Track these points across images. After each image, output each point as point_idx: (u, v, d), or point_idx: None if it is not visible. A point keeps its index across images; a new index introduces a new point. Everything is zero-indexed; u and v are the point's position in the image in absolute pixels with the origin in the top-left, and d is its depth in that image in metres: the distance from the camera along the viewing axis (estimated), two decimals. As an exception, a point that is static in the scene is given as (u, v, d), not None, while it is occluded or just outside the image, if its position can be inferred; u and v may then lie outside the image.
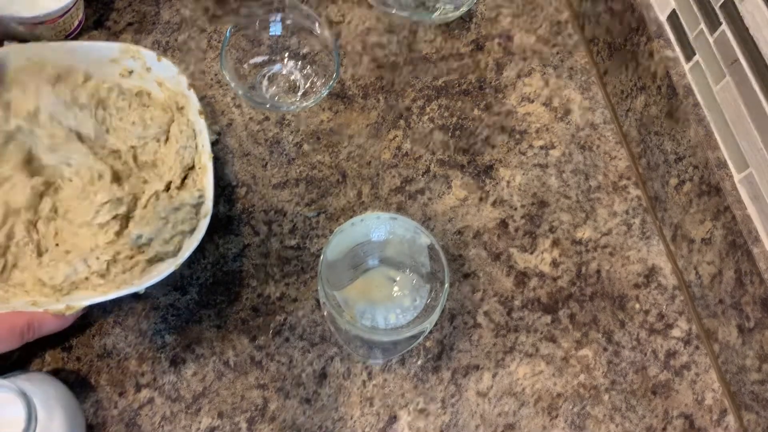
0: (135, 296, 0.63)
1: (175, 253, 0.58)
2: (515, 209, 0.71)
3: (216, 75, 0.74)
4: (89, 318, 0.61)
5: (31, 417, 0.45)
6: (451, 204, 0.70)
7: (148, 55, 0.65)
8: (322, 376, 0.61)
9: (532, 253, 0.69)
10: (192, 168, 0.64)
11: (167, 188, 0.62)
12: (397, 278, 0.61)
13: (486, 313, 0.65)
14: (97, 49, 0.65)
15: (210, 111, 0.72)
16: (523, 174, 0.73)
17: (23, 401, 0.46)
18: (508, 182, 0.72)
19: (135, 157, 0.64)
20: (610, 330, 0.66)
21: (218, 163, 0.70)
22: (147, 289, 0.55)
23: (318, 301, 0.64)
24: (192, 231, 0.59)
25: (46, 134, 0.61)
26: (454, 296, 0.66)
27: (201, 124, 0.63)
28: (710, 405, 0.64)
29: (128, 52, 0.64)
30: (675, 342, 0.66)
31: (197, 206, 0.60)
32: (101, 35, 0.75)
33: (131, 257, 0.58)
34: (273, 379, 0.61)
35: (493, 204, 0.71)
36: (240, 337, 0.62)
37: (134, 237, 0.58)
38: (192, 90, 0.64)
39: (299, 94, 0.72)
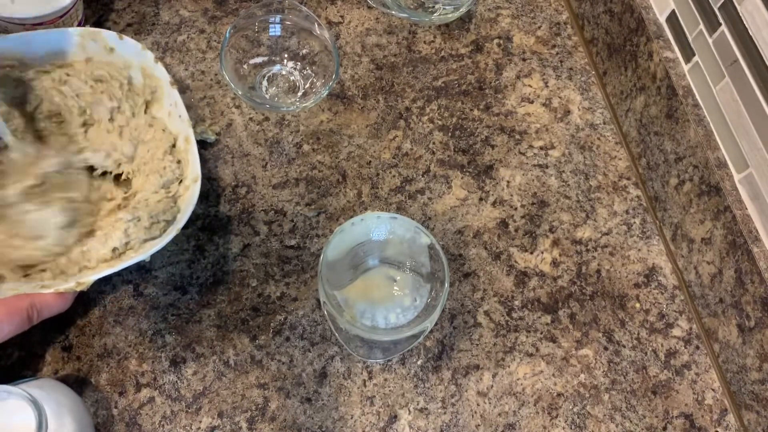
0: (137, 292, 0.63)
1: (161, 232, 0.58)
2: (515, 209, 0.71)
3: (216, 75, 0.75)
4: (89, 317, 0.61)
5: (41, 424, 0.45)
6: (451, 204, 0.70)
7: (109, 35, 0.64)
8: (323, 375, 0.61)
9: (532, 252, 0.69)
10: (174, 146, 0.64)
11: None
12: (398, 278, 0.61)
13: (486, 313, 0.65)
14: (56, 36, 0.64)
15: (210, 111, 0.72)
16: (523, 174, 0.73)
17: (34, 409, 0.45)
18: (508, 182, 0.72)
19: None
20: (610, 329, 0.66)
21: (218, 163, 0.70)
22: (153, 256, 0.56)
23: (318, 300, 0.64)
24: (173, 219, 0.59)
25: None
26: (454, 296, 0.66)
27: (175, 95, 0.63)
28: (710, 404, 0.64)
29: (89, 36, 0.64)
30: (675, 341, 0.66)
31: (167, 185, 0.61)
32: (101, 36, 0.75)
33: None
34: (273, 378, 0.61)
35: (493, 204, 0.71)
36: (240, 337, 0.62)
37: (111, 249, 0.58)
38: (159, 63, 0.63)
39: (299, 94, 0.72)
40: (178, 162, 0.62)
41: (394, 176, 0.71)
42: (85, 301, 0.62)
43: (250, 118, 0.73)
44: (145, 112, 0.64)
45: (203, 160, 0.69)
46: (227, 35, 0.68)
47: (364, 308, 0.59)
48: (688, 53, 0.69)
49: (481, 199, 0.71)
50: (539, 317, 0.66)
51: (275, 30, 0.72)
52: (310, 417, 0.59)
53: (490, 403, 0.62)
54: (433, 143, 0.73)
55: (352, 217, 0.65)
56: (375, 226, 0.60)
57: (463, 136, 0.74)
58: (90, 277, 0.53)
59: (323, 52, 0.71)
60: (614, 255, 0.70)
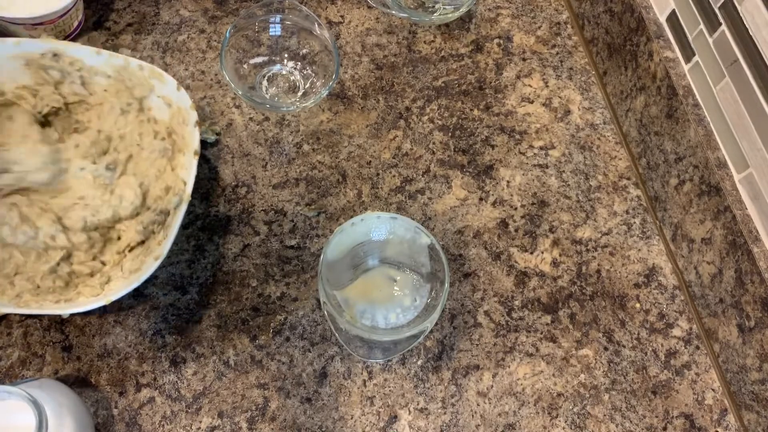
0: (137, 292, 0.63)
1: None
2: (515, 209, 0.71)
3: (216, 75, 0.75)
4: (89, 317, 0.61)
5: (41, 424, 0.45)
6: (451, 204, 0.70)
7: (170, 81, 0.63)
8: (323, 375, 0.61)
9: (532, 252, 0.69)
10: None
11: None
12: (398, 278, 0.60)
13: (486, 313, 0.65)
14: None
15: (210, 111, 0.72)
16: (523, 174, 0.73)
17: (34, 409, 0.46)
18: (508, 182, 0.72)
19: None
20: (610, 329, 0.66)
21: (218, 163, 0.70)
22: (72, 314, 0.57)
23: (318, 300, 0.64)
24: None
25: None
26: (454, 296, 0.66)
27: (193, 166, 0.61)
28: (710, 405, 0.64)
29: (153, 74, 0.64)
30: (675, 341, 0.66)
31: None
32: (101, 36, 0.75)
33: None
34: (273, 378, 0.61)
35: (493, 204, 0.71)
36: (240, 337, 0.62)
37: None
38: (197, 128, 0.62)
39: (299, 94, 0.72)
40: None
41: (394, 176, 0.71)
42: (85, 301, 0.62)
43: (250, 118, 0.73)
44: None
45: (204, 160, 0.69)
46: (227, 35, 0.68)
47: (364, 308, 0.58)
48: (688, 53, 0.69)
49: (481, 199, 0.71)
50: (539, 317, 0.66)
51: (275, 30, 0.72)
52: (310, 417, 0.59)
53: (490, 403, 0.62)
54: (433, 143, 0.73)
55: (352, 217, 0.65)
56: (375, 226, 0.60)
57: (463, 136, 0.74)
58: (37, 311, 0.55)
59: (323, 52, 0.71)
60: (614, 255, 0.70)
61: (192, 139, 0.62)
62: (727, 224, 0.63)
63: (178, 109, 0.63)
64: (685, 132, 0.67)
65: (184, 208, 0.59)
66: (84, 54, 0.63)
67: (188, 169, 0.61)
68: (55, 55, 0.62)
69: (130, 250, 0.61)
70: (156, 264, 0.56)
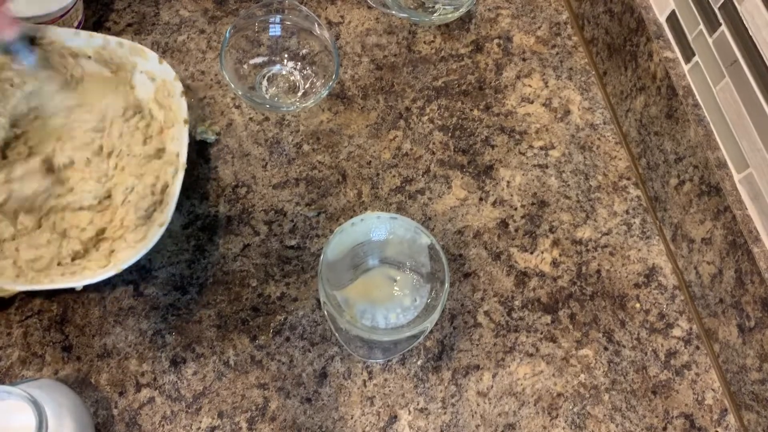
0: (137, 292, 0.63)
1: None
2: (515, 209, 0.71)
3: (216, 75, 0.75)
4: (89, 317, 0.61)
5: (41, 424, 0.45)
6: (451, 204, 0.70)
7: (152, 56, 0.65)
8: (323, 375, 0.61)
9: (532, 252, 0.69)
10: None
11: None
12: (398, 278, 0.61)
13: (486, 313, 0.65)
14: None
15: (210, 111, 0.72)
16: (523, 174, 0.73)
17: (34, 409, 0.46)
18: (508, 182, 0.72)
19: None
20: (610, 329, 0.66)
21: (218, 163, 0.70)
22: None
23: (318, 300, 0.64)
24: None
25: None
26: (454, 296, 0.66)
27: (184, 134, 0.63)
28: (710, 405, 0.64)
29: (134, 51, 0.65)
30: (675, 341, 0.66)
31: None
32: (101, 36, 0.75)
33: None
34: (273, 378, 0.61)
35: (493, 204, 0.71)
36: (240, 337, 0.62)
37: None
38: (184, 97, 0.64)
39: (299, 94, 0.72)
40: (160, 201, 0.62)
41: (394, 176, 0.71)
42: (85, 301, 0.62)
43: (250, 118, 0.73)
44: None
45: (204, 160, 0.70)
46: (227, 35, 0.68)
47: (364, 308, 0.59)
48: (688, 53, 0.69)
49: (481, 199, 0.71)
50: (539, 317, 0.66)
51: (275, 30, 0.72)
52: (310, 417, 0.59)
53: (490, 403, 0.62)
54: (433, 143, 0.73)
55: (352, 217, 0.65)
56: (375, 226, 0.60)
57: (463, 136, 0.74)
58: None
59: (323, 52, 0.71)
60: (614, 255, 0.70)
61: (180, 109, 0.63)
62: (727, 224, 0.63)
63: (163, 82, 0.65)
64: (685, 132, 0.67)
65: (181, 175, 0.60)
66: (63, 35, 0.64)
67: (180, 139, 0.62)
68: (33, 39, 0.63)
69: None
70: (161, 231, 0.57)
